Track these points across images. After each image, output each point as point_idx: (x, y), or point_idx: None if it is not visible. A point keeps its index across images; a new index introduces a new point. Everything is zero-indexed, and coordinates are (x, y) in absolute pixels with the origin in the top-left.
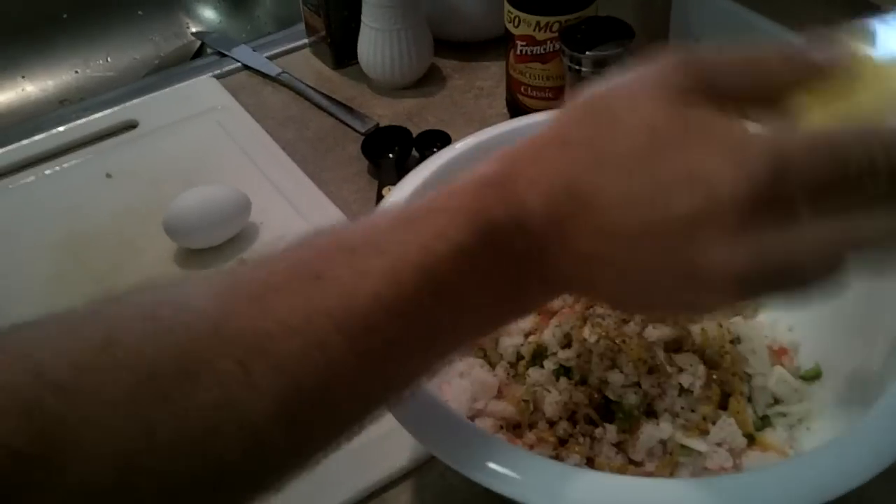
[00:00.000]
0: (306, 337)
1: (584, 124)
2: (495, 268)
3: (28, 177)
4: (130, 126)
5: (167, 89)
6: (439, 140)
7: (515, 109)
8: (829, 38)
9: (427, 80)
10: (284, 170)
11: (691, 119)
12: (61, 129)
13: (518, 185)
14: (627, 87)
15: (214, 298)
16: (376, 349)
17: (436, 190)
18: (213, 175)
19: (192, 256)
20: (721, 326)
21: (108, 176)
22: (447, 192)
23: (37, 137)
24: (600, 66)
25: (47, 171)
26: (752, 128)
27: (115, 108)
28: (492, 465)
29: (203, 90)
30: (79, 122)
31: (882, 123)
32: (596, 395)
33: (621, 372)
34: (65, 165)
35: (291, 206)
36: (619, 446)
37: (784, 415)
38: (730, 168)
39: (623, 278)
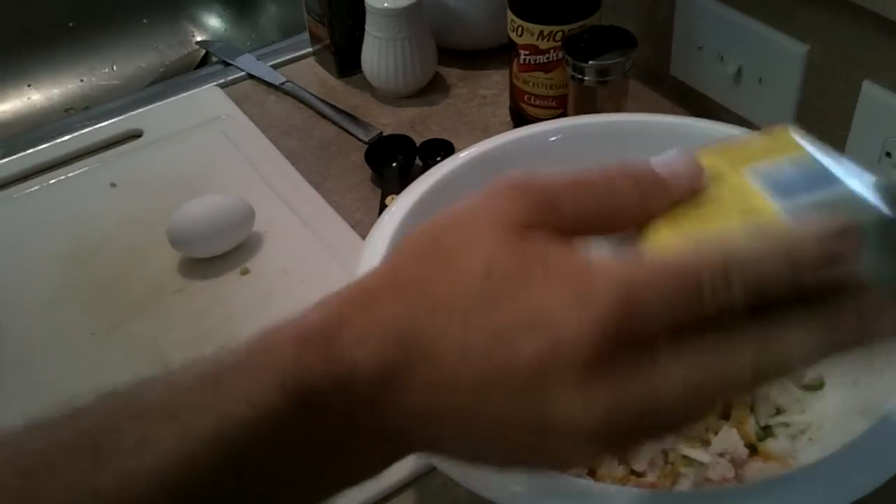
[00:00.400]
0: None
1: (416, 263)
2: (313, 437)
3: (32, 186)
4: (135, 135)
5: (172, 98)
6: (443, 149)
7: (519, 118)
8: (692, 151)
9: (431, 89)
10: (288, 179)
11: (529, 255)
12: (66, 138)
13: (344, 338)
14: (462, 219)
15: None
16: None
17: (254, 336)
18: (218, 184)
19: (196, 265)
20: None
21: (113, 185)
22: (262, 343)
23: (41, 147)
24: (603, 74)
25: (52, 181)
26: (598, 253)
27: (120, 118)
28: (493, 476)
29: (207, 99)
30: (83, 131)
31: (736, 244)
32: None
33: None
34: (69, 175)
35: (295, 215)
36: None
37: (786, 425)
38: (572, 308)
39: (469, 434)
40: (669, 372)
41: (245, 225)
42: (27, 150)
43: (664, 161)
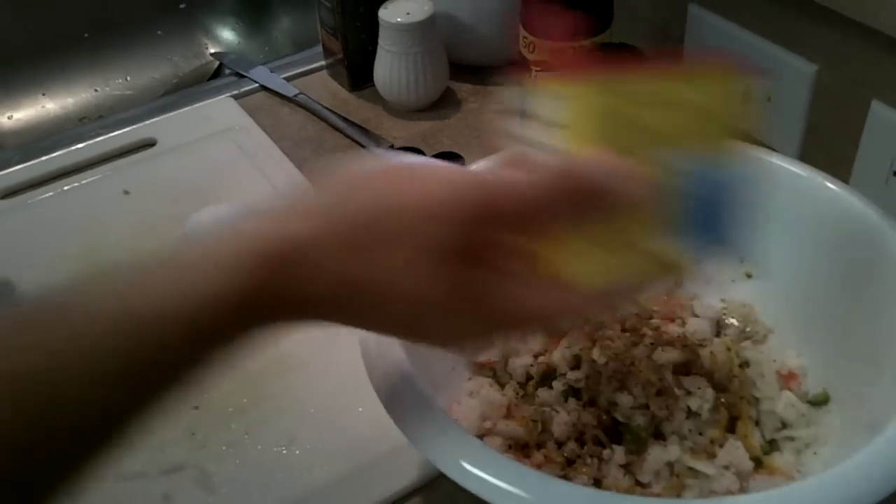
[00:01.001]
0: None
1: (368, 238)
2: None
3: (47, 192)
4: (148, 144)
5: (185, 109)
6: (453, 162)
7: None
8: (642, 165)
9: (442, 103)
10: None
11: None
12: (80, 146)
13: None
14: (406, 226)
15: None
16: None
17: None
18: (230, 193)
19: None
20: (730, 350)
21: (126, 193)
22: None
23: (56, 154)
24: None
25: (66, 188)
26: None
27: (134, 127)
28: (500, 484)
29: (221, 110)
30: (98, 139)
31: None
32: (604, 417)
33: (630, 394)
34: (83, 182)
35: None
36: (627, 468)
37: (792, 439)
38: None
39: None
40: None
41: None
42: (41, 157)
43: (615, 168)
